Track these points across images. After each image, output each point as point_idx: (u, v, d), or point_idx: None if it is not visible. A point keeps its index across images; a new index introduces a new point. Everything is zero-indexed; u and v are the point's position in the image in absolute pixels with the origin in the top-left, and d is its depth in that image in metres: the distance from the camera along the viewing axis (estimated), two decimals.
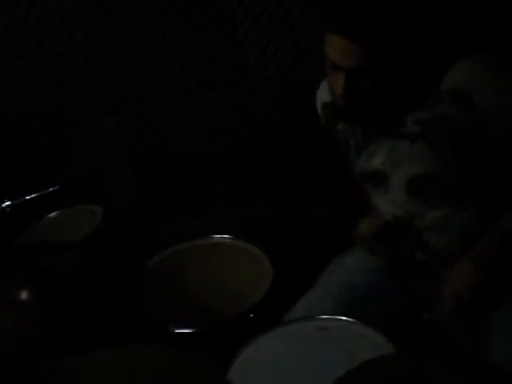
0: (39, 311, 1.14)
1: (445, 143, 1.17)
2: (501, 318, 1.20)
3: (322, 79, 1.38)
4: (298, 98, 1.91)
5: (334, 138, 1.40)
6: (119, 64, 2.02)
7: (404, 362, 0.95)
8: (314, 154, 2.00)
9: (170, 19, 1.96)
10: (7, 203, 1.38)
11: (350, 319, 1.23)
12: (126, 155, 2.12)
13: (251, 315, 1.40)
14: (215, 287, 1.50)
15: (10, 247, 1.77)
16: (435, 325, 1.25)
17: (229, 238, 1.68)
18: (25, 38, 1.94)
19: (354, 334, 1.20)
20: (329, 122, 1.40)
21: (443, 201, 1.24)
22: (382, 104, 1.20)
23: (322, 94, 1.39)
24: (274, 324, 1.29)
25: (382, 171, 1.29)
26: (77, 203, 1.96)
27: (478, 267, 1.19)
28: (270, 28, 1.92)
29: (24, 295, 1.16)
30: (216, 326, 1.38)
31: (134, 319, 1.37)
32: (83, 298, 1.21)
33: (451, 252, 1.27)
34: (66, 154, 2.08)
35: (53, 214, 1.98)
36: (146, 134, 2.13)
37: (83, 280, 1.27)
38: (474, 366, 0.92)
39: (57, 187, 1.45)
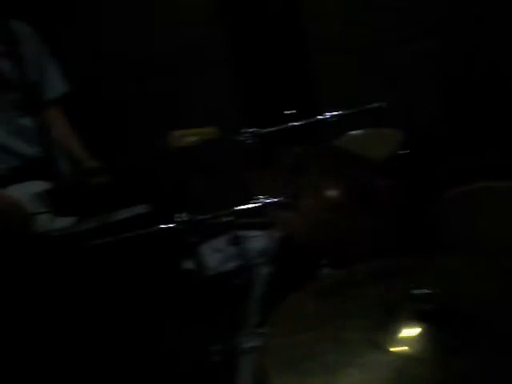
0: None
1: None
2: None
3: None
4: None
5: None
6: None
7: None
8: None
9: None
10: (332, 113, 1.51)
11: None
12: (436, 81, 2.08)
13: None
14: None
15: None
16: None
17: None
18: None
19: None
20: None
21: None
22: None
23: None
24: None
25: None
26: (383, 125, 2.04)
27: None
28: None
29: (334, 193, 1.31)
30: None
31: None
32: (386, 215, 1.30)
33: None
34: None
35: (356, 132, 2.10)
36: (457, 60, 2.06)
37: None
38: None
39: (378, 105, 1.53)
